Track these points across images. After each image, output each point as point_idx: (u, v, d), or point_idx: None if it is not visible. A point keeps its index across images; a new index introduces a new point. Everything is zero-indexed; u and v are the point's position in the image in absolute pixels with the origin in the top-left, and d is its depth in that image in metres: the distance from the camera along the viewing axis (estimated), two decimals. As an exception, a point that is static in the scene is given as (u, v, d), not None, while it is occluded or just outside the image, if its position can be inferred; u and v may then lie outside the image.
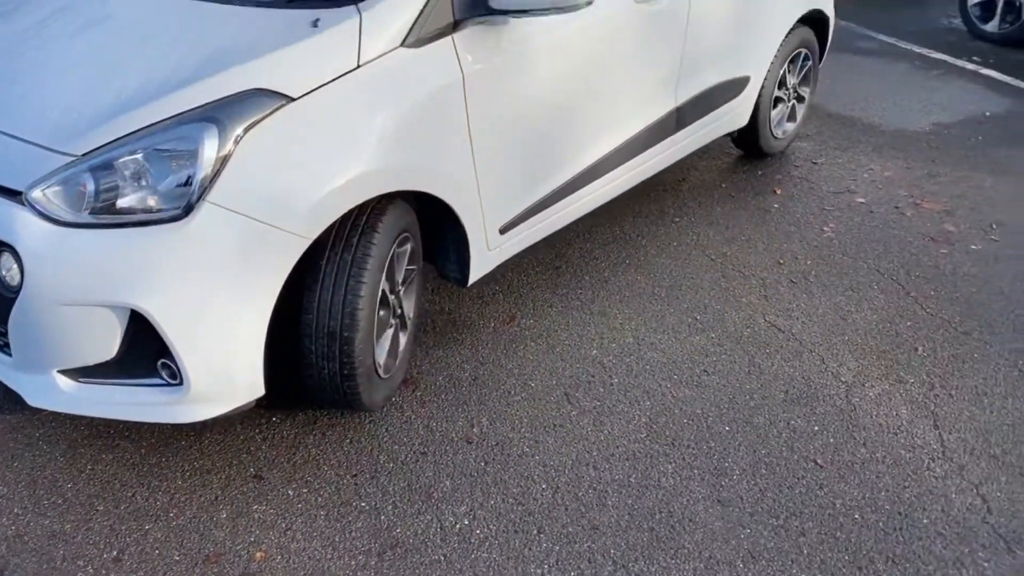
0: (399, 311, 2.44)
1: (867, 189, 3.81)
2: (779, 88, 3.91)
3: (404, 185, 2.18)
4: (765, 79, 3.72)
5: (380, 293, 2.22)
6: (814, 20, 3.96)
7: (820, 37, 4.10)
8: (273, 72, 1.96)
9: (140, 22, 2.23)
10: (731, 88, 3.50)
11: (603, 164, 2.93)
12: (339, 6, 2.12)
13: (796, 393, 2.53)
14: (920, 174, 3.97)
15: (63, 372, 2.00)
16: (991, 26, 6.08)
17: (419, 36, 2.17)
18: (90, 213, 1.86)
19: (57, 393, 2.01)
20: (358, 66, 2.07)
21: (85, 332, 1.92)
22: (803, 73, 4.05)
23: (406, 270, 2.45)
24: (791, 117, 4.11)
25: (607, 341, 2.75)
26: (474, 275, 2.61)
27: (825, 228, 3.48)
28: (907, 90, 5.06)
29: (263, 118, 1.92)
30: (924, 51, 5.83)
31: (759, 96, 3.74)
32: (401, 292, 2.43)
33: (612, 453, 2.29)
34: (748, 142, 3.97)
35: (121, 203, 1.86)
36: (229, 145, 1.87)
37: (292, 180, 1.95)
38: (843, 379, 2.59)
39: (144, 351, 1.96)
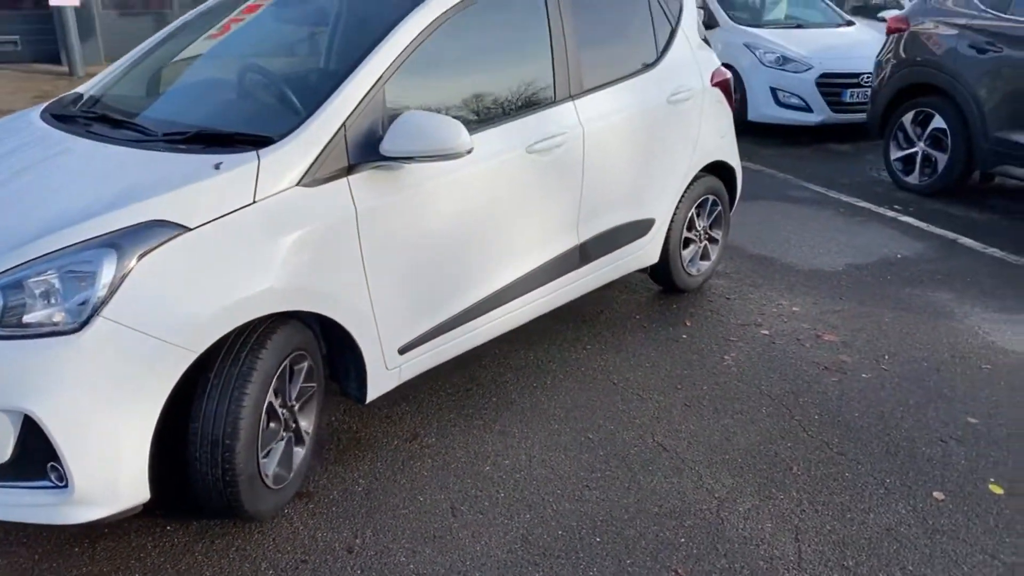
0: (293, 425, 2.61)
1: (772, 322, 4.06)
2: (688, 230, 4.24)
3: (292, 307, 2.42)
4: (672, 222, 4.05)
5: (267, 406, 2.41)
6: (720, 169, 4.35)
7: (729, 184, 4.48)
8: (173, 206, 2.25)
9: (68, 165, 2.54)
10: (636, 229, 3.82)
11: (504, 293, 3.19)
12: (244, 152, 2.44)
13: (670, 507, 2.66)
14: (825, 309, 4.23)
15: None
16: (912, 178, 6.55)
17: (315, 177, 2.48)
18: (-2, 326, 2.08)
19: (-45, 494, 2.16)
20: (253, 202, 2.36)
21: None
22: (713, 217, 4.40)
23: (303, 387, 2.65)
24: (704, 256, 4.42)
25: (501, 458, 2.91)
26: (372, 393, 2.81)
27: (726, 357, 3.69)
28: (828, 234, 5.42)
29: (159, 245, 2.18)
30: (851, 200, 6.26)
31: (667, 237, 4.07)
32: (296, 407, 2.62)
33: (484, 563, 2.40)
34: (662, 278, 4.26)
35: (28, 318, 2.09)
36: (126, 268, 2.12)
37: (182, 300, 2.19)
38: (716, 495, 2.73)
39: (35, 454, 2.12)
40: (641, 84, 3.71)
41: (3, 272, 2.12)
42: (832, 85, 7.97)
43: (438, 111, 2.83)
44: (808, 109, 8.04)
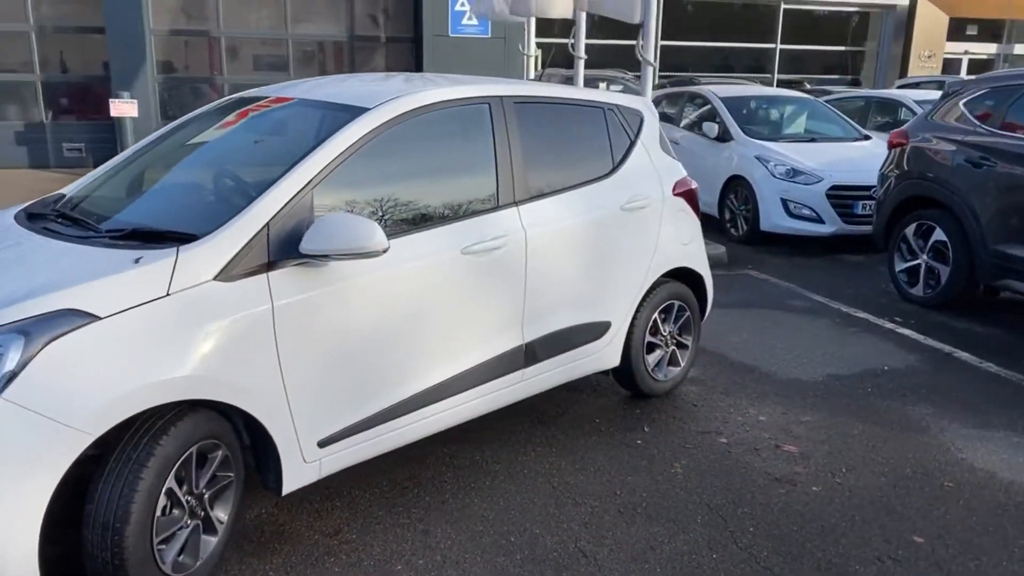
0: (201, 513, 2.66)
1: (734, 431, 3.99)
2: (653, 335, 4.26)
3: (196, 396, 2.52)
4: (632, 326, 4.08)
5: (168, 492, 2.48)
6: (686, 276, 4.39)
7: (698, 291, 4.51)
8: (87, 297, 2.40)
9: (9, 258, 2.75)
10: (590, 331, 3.86)
11: (438, 391, 3.24)
12: (165, 248, 2.61)
13: (572, 616, 2.59)
14: (793, 420, 4.15)
15: None
16: (916, 290, 6.45)
17: (232, 273, 2.62)
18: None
19: None
20: (167, 294, 2.50)
21: None
22: (680, 322, 4.41)
23: (218, 476, 2.71)
24: (673, 362, 4.41)
25: (416, 558, 2.89)
26: (289, 485, 2.85)
27: (676, 464, 3.64)
28: (816, 344, 5.34)
29: (66, 332, 2.33)
30: (851, 310, 6.18)
31: (628, 340, 4.09)
32: (206, 495, 2.68)
33: (367, 662, 2.37)
34: (626, 382, 4.25)
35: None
36: (32, 352, 2.27)
37: (84, 384, 2.31)
38: (624, 605, 2.65)
39: (-68, 530, 2.22)
40: (593, 192, 3.84)
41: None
42: (843, 197, 8.00)
43: (369, 215, 2.98)
44: (819, 220, 8.06)
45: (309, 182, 2.84)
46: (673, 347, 4.40)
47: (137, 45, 11.72)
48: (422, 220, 3.18)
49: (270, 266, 2.71)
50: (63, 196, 3.51)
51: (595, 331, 3.90)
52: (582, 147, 3.93)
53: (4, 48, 11.74)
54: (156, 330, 2.46)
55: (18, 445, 2.22)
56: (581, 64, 7.92)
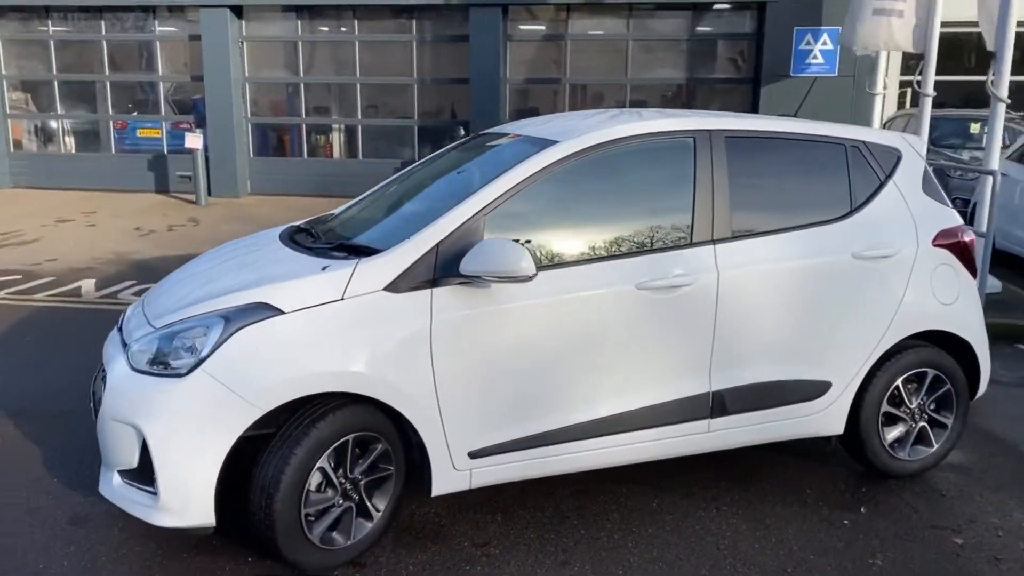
0: (356, 497, 2.97)
1: (978, 533, 3.29)
2: (895, 405, 3.69)
3: (350, 389, 2.84)
4: (863, 390, 3.60)
5: (321, 472, 2.82)
6: (948, 342, 3.75)
7: (967, 361, 3.81)
8: (278, 294, 2.86)
9: (256, 261, 3.35)
10: (801, 389, 3.49)
11: (605, 424, 3.20)
12: (349, 259, 2.99)
13: None
14: (1073, 534, 3.30)
15: (120, 472, 2.94)
16: None
17: (400, 285, 2.91)
18: (148, 363, 2.86)
19: (110, 486, 2.95)
20: (341, 299, 2.87)
21: (122, 443, 2.85)
22: (936, 396, 3.76)
23: (376, 467, 3.00)
24: (924, 440, 3.77)
25: (545, 585, 2.89)
26: (438, 488, 3.05)
27: (879, 556, 3.12)
28: None
29: (255, 322, 2.80)
30: None
31: (858, 407, 3.61)
32: (361, 482, 2.98)
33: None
34: (856, 454, 3.74)
35: (173, 363, 2.83)
36: (227, 335, 2.77)
37: (261, 367, 2.76)
38: None
39: (149, 465, 2.81)
40: (819, 236, 3.48)
41: (163, 327, 2.91)
42: None
43: (539, 243, 3.09)
44: None
45: (481, 209, 3.03)
46: (924, 423, 3.77)
47: (494, 93, 13.14)
48: (596, 251, 3.19)
49: (434, 283, 2.95)
50: (333, 215, 4.14)
51: (808, 390, 3.51)
52: (810, 186, 3.60)
53: (393, 97, 13.97)
54: (327, 328, 2.83)
55: (207, 407, 2.73)
56: (927, 103, 6.97)
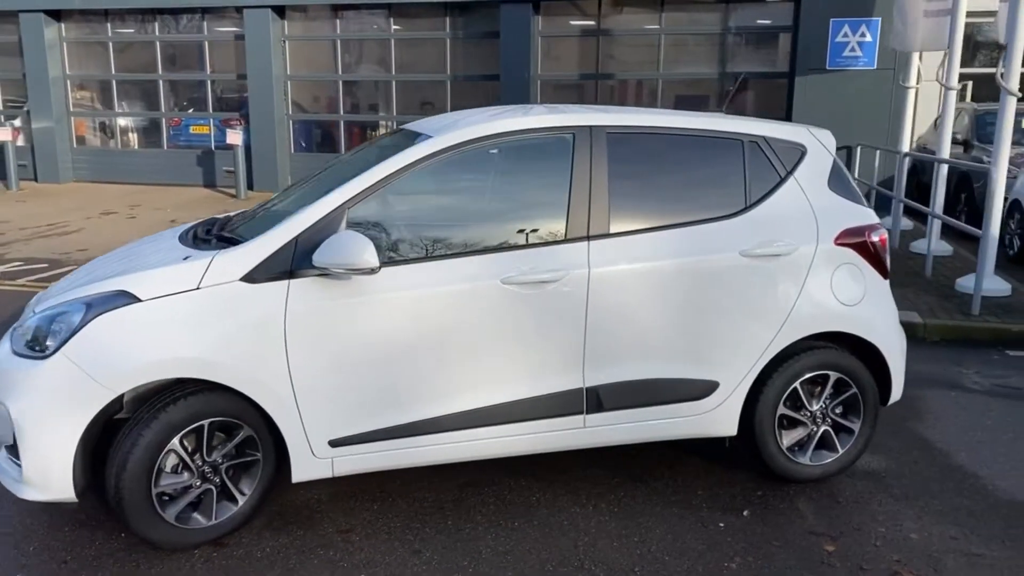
0: (217, 480, 3.09)
1: (854, 543, 3.19)
2: (794, 409, 3.60)
3: (201, 376, 2.96)
4: (758, 392, 3.52)
5: (174, 454, 2.96)
6: (856, 344, 3.63)
7: (877, 365, 3.68)
8: (137, 283, 3.01)
9: (138, 253, 3.50)
10: (685, 388, 3.44)
11: (474, 416, 3.24)
12: (209, 250, 3.12)
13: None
14: (957, 548, 3.15)
15: (6, 447, 3.14)
16: None
17: (257, 276, 3.02)
18: (25, 345, 3.05)
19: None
20: (198, 288, 2.99)
21: (3, 419, 3.04)
22: (841, 400, 3.64)
23: (241, 452, 3.12)
24: (828, 445, 3.66)
25: (383, 570, 2.95)
26: (297, 474, 3.16)
27: (736, 559, 3.06)
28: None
29: (114, 308, 2.95)
30: None
31: (752, 408, 3.53)
32: (222, 465, 3.10)
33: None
34: (753, 456, 3.65)
35: (42, 345, 3.00)
36: (86, 320, 2.93)
37: (115, 352, 2.91)
38: None
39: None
40: (705, 233, 3.42)
41: (43, 310, 3.10)
42: None
43: (401, 237, 3.15)
44: None
45: (343, 203, 3.11)
46: (827, 427, 3.66)
47: (524, 90, 13.17)
48: (462, 246, 3.22)
49: (291, 274, 3.04)
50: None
51: (693, 389, 3.46)
52: (701, 183, 3.53)
53: (428, 94, 14.16)
54: (182, 316, 2.96)
55: (64, 389, 2.89)
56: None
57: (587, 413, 3.38)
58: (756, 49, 12.88)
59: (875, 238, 3.63)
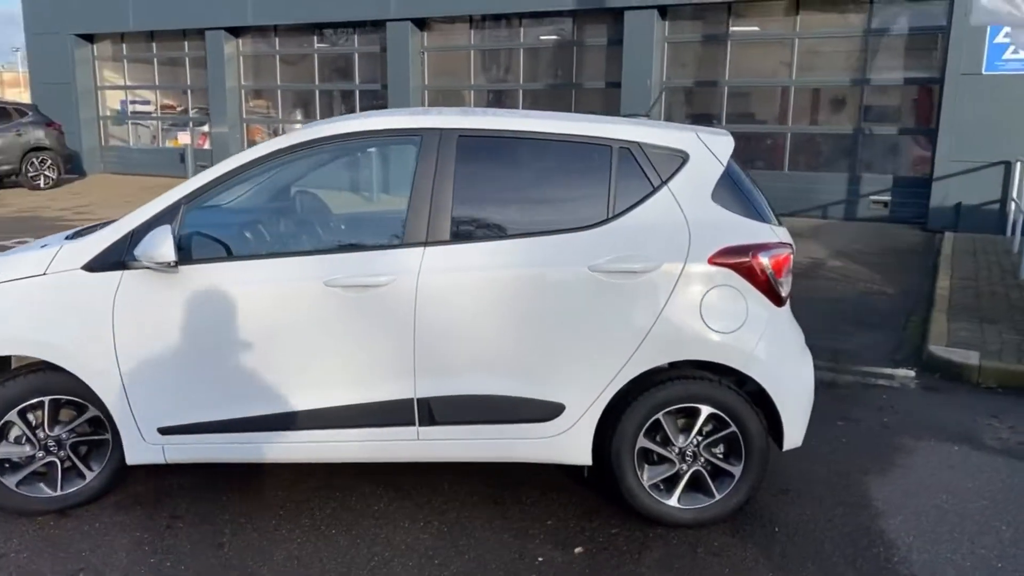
0: (62, 455, 3.32)
1: (673, 598, 2.82)
2: (656, 442, 3.25)
3: (37, 355, 3.20)
4: (612, 419, 3.22)
5: (15, 427, 3.22)
6: (737, 376, 3.22)
7: (762, 403, 3.24)
8: (2, 266, 3.30)
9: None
10: (527, 408, 3.22)
11: (302, 419, 3.23)
12: (61, 239, 3.35)
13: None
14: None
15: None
16: None
17: (95, 266, 3.21)
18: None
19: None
20: (44, 274, 3.24)
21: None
22: (718, 439, 3.24)
23: (91, 432, 3.34)
24: (702, 489, 3.27)
25: (160, 558, 3.03)
26: (132, 457, 3.32)
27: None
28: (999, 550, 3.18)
29: (-22, 291, 3.25)
30: None
31: (609, 438, 3.24)
32: (67, 441, 3.32)
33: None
34: (612, 491, 3.34)
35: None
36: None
37: (-27, 329, 3.21)
38: None
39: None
40: (552, 245, 3.18)
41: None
42: None
43: (230, 236, 3.22)
44: None
45: (179, 199, 3.23)
46: (701, 468, 3.27)
47: (644, 96, 12.81)
48: (290, 246, 3.23)
49: (124, 266, 3.20)
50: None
51: (536, 410, 3.23)
52: (559, 191, 3.28)
53: (554, 102, 14.17)
54: (27, 299, 3.22)
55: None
56: None
57: (420, 425, 3.25)
58: (902, 54, 11.66)
59: (764, 259, 3.18)
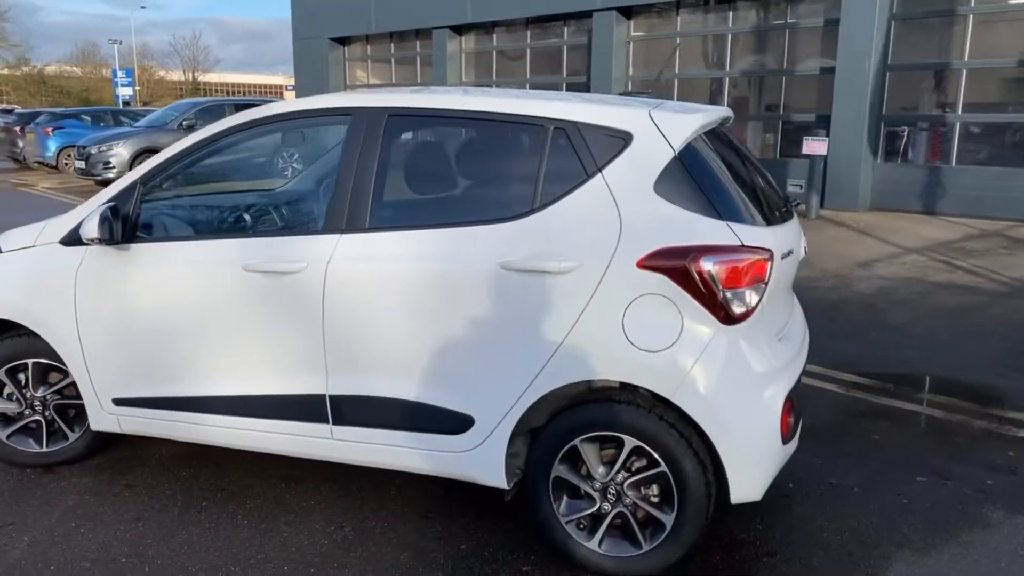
0: (48, 416, 3.58)
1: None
2: (577, 473, 2.77)
3: (16, 319, 3.46)
4: (532, 442, 2.81)
5: (3, 385, 3.53)
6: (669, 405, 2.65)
7: (707, 444, 2.63)
8: (7, 237, 3.63)
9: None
10: (433, 417, 2.89)
11: (233, 404, 3.18)
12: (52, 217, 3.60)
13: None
14: None
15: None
16: None
17: (68, 240, 3.41)
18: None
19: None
20: (33, 246, 3.51)
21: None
22: (647, 477, 2.68)
23: (69, 390, 3.57)
24: (630, 537, 2.73)
25: (73, 542, 3.14)
26: (95, 424, 3.49)
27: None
28: None
29: (-14, 258, 3.61)
30: None
31: (524, 461, 2.84)
32: (51, 402, 3.58)
33: None
34: (531, 521, 2.90)
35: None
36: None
37: (-23, 291, 3.57)
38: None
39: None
40: (466, 238, 2.81)
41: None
42: None
43: (165, 216, 3.26)
44: None
45: (137, 179, 3.31)
46: (625, 510, 2.73)
47: (862, 82, 11.33)
48: (218, 228, 3.19)
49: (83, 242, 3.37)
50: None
51: (444, 421, 2.90)
52: (490, 176, 2.90)
53: (762, 90, 13.03)
54: (19, 267, 3.50)
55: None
56: None
57: (333, 424, 3.07)
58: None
59: (708, 265, 2.56)
